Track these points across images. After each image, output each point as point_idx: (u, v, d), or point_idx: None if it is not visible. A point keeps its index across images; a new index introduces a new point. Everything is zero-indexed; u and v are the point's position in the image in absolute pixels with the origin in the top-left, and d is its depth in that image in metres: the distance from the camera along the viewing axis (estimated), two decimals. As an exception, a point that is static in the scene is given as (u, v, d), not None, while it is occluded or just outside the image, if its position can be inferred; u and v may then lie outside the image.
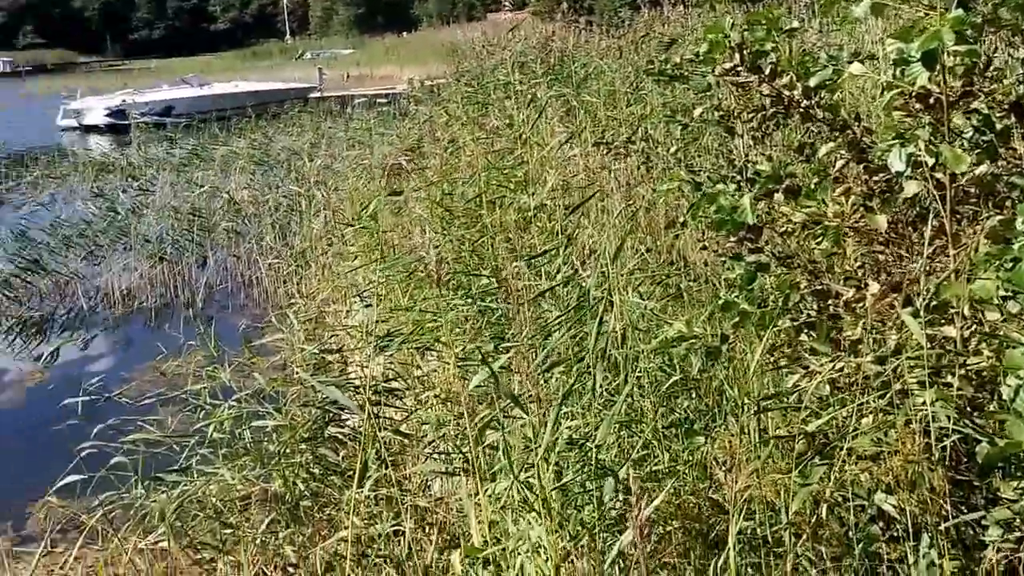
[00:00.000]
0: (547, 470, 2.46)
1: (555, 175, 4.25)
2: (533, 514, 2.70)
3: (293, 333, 4.81)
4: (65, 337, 8.77)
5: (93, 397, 5.65)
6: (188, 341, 8.02)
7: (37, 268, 9.46)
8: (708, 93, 4.36)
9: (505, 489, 2.70)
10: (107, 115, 25.23)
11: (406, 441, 4.05)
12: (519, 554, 2.71)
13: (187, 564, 4.59)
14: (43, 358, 8.34)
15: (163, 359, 7.01)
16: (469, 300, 4.24)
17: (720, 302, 2.98)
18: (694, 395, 3.31)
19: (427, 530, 3.81)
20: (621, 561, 2.44)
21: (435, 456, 3.80)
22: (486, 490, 2.78)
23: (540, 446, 2.48)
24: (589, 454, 2.68)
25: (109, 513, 5.05)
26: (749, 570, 2.56)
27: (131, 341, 8.42)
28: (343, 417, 4.20)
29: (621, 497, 2.71)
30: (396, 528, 3.76)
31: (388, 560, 3.58)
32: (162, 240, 9.65)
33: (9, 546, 5.22)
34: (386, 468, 4.00)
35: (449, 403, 4.29)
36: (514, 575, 2.72)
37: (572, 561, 2.48)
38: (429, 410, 4.19)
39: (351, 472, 4.12)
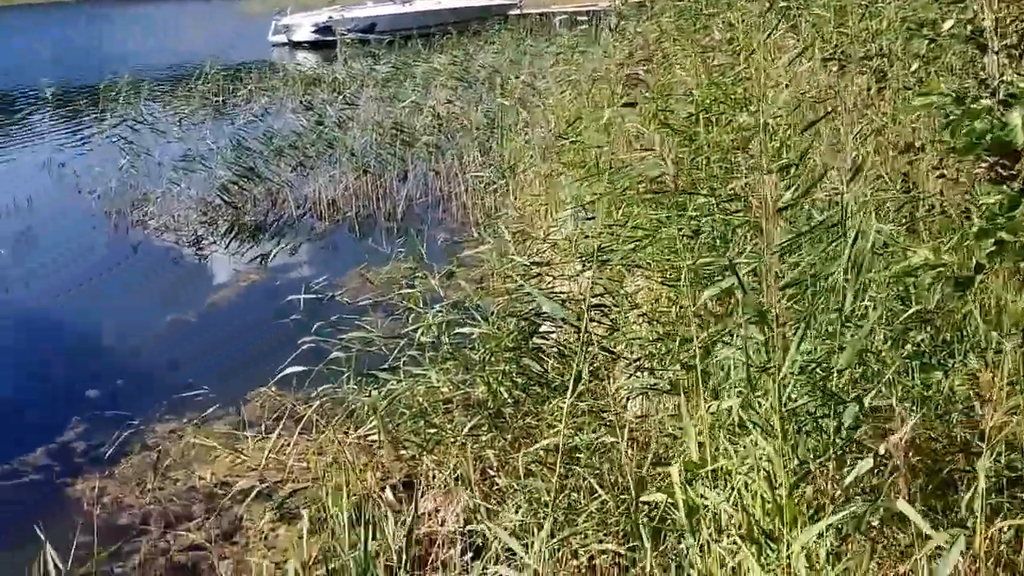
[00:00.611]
0: (784, 391, 2.35)
1: (783, 92, 4.02)
2: (753, 436, 2.61)
3: (503, 243, 4.85)
4: (277, 242, 9.29)
5: (313, 296, 5.94)
6: (391, 251, 8.35)
7: (252, 176, 10.03)
8: (961, 4, 3.96)
9: (730, 408, 2.63)
10: (314, 31, 26.18)
11: (612, 357, 4.02)
12: (740, 474, 2.64)
13: (391, 460, 4.80)
14: (257, 260, 8.88)
15: (368, 266, 7.29)
16: (690, 217, 4.12)
17: (974, 229, 2.73)
18: (930, 328, 3.09)
19: (632, 446, 3.80)
20: (857, 487, 2.32)
21: (647, 372, 3.75)
22: (708, 407, 2.71)
23: (776, 366, 2.37)
24: (818, 380, 2.55)
25: (323, 405, 5.35)
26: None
27: (337, 248, 8.82)
28: (547, 330, 4.21)
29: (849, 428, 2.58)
30: (600, 441, 3.77)
31: (594, 472, 3.59)
32: (366, 153, 9.98)
33: (229, 430, 5.63)
34: (591, 381, 4.00)
35: (655, 323, 4.23)
36: (734, 495, 2.67)
37: (807, 483, 2.39)
38: (635, 326, 4.14)
39: (554, 384, 4.15)
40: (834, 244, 2.73)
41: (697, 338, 2.66)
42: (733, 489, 2.77)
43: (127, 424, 5.75)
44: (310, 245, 9.00)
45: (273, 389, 5.89)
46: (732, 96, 4.42)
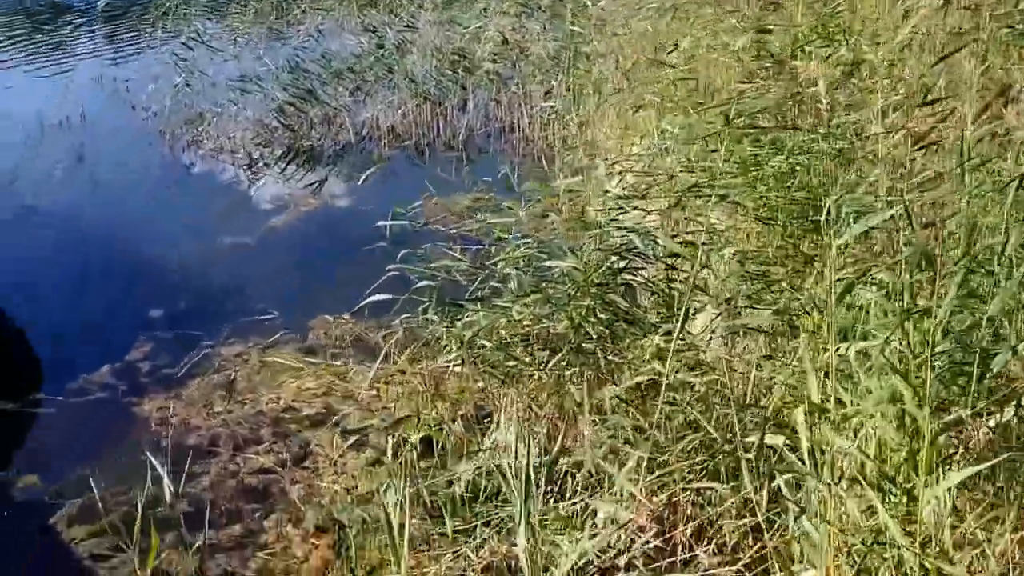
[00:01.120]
0: (935, 336, 2.18)
1: (902, 25, 3.75)
2: (887, 380, 2.46)
3: (588, 174, 4.66)
4: (334, 167, 9.15)
5: (391, 224, 5.79)
6: (456, 179, 8.19)
7: (309, 98, 9.84)
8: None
9: (863, 351, 2.46)
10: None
11: (701, 296, 3.85)
12: (867, 420, 2.50)
13: (470, 393, 4.71)
14: (314, 186, 8.76)
15: (430, 196, 7.14)
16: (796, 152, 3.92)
17: None
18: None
19: (719, 387, 3.66)
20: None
21: (745, 309, 3.58)
22: (837, 349, 2.55)
23: (924, 309, 2.20)
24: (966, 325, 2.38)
25: (393, 334, 5.24)
26: None
27: (397, 176, 8.65)
28: (635, 266, 4.04)
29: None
30: (689, 382, 3.63)
31: (684, 412, 3.46)
32: (425, 80, 9.74)
33: (294, 356, 5.56)
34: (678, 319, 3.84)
35: (748, 261, 4.04)
36: (860, 441, 2.53)
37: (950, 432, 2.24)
38: (727, 264, 3.96)
39: (639, 321, 4.00)
40: (985, 183, 2.52)
41: (829, 279, 2.48)
42: (856, 435, 2.63)
43: (191, 346, 5.71)
44: (368, 172, 8.83)
45: (346, 316, 5.81)
46: (831, 28, 4.18)
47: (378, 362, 4.48)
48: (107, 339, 5.85)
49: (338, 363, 5.46)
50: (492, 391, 4.40)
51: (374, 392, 5.08)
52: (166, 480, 3.01)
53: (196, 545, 3.89)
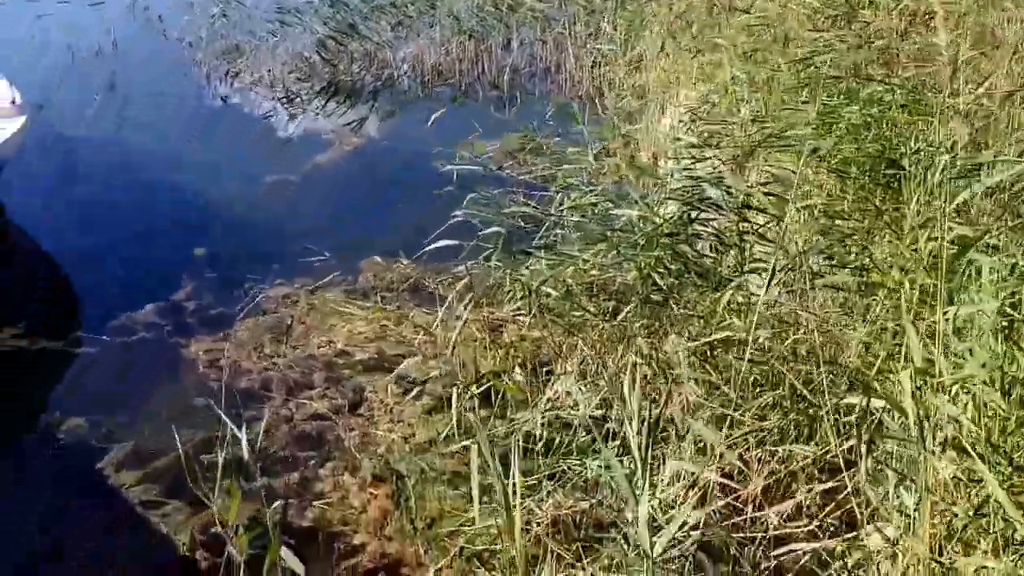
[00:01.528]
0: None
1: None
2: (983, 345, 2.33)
3: (644, 120, 4.46)
4: (376, 105, 8.95)
5: (451, 164, 5.63)
6: (504, 118, 7.98)
7: (350, 33, 9.60)
8: None
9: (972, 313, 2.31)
10: None
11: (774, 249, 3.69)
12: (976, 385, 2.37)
13: (531, 342, 4.59)
14: (355, 123, 8.57)
15: (478, 136, 6.96)
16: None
17: None
18: None
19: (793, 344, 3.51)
20: None
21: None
22: (946, 313, 2.40)
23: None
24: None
25: (447, 279, 5.12)
26: None
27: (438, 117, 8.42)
28: (708, 217, 3.86)
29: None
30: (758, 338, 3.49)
31: (763, 369, 3.33)
32: (468, 17, 9.47)
33: (344, 298, 5.46)
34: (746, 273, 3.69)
35: (822, 215, 3.87)
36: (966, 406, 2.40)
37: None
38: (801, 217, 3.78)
39: (709, 273, 3.84)
40: None
41: (940, 238, 2.31)
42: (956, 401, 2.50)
43: (237, 286, 5.61)
44: (411, 110, 8.64)
45: (404, 260, 5.68)
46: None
47: (443, 309, 4.33)
48: (151, 278, 5.76)
49: (390, 307, 5.35)
50: (554, 341, 4.27)
51: (429, 338, 4.97)
52: (245, 439, 2.87)
53: (252, 493, 3.82)
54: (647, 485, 2.24)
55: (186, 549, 3.57)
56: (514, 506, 3.18)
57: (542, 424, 4.14)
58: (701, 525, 3.13)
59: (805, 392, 2.98)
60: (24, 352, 4.87)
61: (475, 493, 2.85)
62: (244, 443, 2.79)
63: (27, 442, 4.28)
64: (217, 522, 3.72)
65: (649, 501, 3.27)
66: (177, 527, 3.69)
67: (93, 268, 5.90)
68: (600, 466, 3.66)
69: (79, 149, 7.84)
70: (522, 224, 4.34)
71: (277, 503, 3.38)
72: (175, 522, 3.72)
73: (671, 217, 3.79)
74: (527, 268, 4.01)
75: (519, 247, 4.22)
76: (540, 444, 3.96)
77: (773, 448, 3.26)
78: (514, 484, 3.54)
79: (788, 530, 3.09)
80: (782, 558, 2.97)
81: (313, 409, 4.47)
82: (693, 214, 3.78)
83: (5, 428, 4.43)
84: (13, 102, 5.96)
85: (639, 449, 2.14)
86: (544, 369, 4.45)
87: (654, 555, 2.24)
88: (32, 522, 3.74)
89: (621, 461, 3.69)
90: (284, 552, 2.61)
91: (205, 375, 4.74)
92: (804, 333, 3.42)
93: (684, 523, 2.69)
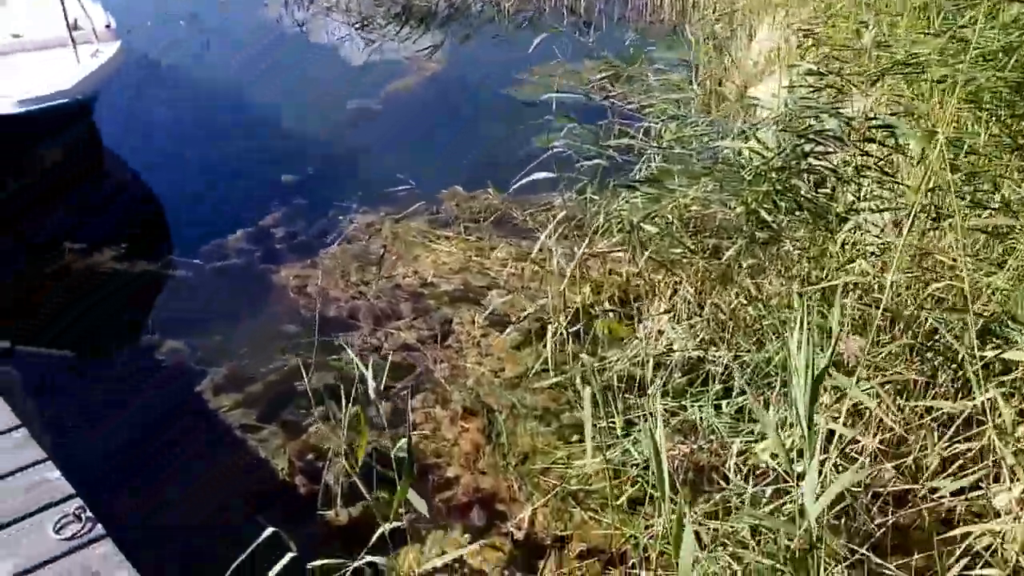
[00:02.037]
0: None
1: None
2: None
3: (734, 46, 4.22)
4: (451, 30, 8.76)
5: (528, 92, 5.47)
6: (579, 46, 7.72)
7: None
8: None
9: None
10: None
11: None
12: None
13: (624, 279, 4.49)
14: (431, 49, 8.41)
15: (558, 63, 6.75)
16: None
17: None
18: None
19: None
20: None
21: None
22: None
23: None
24: None
25: (534, 212, 5.01)
26: None
27: (517, 44, 8.21)
28: (827, 151, 3.66)
29: None
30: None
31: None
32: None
33: (427, 228, 5.39)
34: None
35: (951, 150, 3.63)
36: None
37: None
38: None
39: (823, 211, 3.66)
40: None
41: None
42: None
43: (322, 213, 5.59)
44: (486, 36, 8.44)
45: (491, 188, 5.59)
46: None
47: (533, 242, 4.21)
48: (240, 204, 5.76)
49: (474, 238, 5.28)
50: (648, 278, 4.16)
51: (515, 271, 4.89)
52: (372, 384, 2.82)
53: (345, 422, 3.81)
54: (813, 446, 2.10)
55: (285, 474, 3.59)
56: (611, 446, 3.13)
57: (634, 363, 4.06)
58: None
59: (948, 340, 2.82)
60: (123, 274, 4.92)
61: (588, 434, 2.75)
62: (370, 383, 2.73)
63: (130, 363, 4.33)
64: (312, 449, 3.75)
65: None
66: (274, 452, 3.71)
67: (184, 193, 5.93)
68: (701, 408, 3.58)
69: (167, 75, 7.84)
70: (616, 156, 4.17)
71: (402, 441, 3.32)
72: (272, 447, 3.74)
73: (782, 150, 3.60)
74: (626, 202, 3.86)
75: (612, 180, 4.07)
76: (633, 380, 3.90)
77: (902, 402, 3.13)
78: (611, 424, 3.50)
79: (908, 486, 2.98)
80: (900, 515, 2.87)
81: (401, 339, 4.44)
82: (807, 147, 3.59)
83: (109, 347, 4.50)
84: (108, 27, 5.91)
85: (804, 405, 2.01)
86: (635, 306, 4.36)
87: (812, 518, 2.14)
88: (136, 442, 3.79)
89: (719, 407, 3.61)
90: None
91: (295, 302, 4.74)
92: (935, 278, 3.24)
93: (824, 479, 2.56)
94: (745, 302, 3.74)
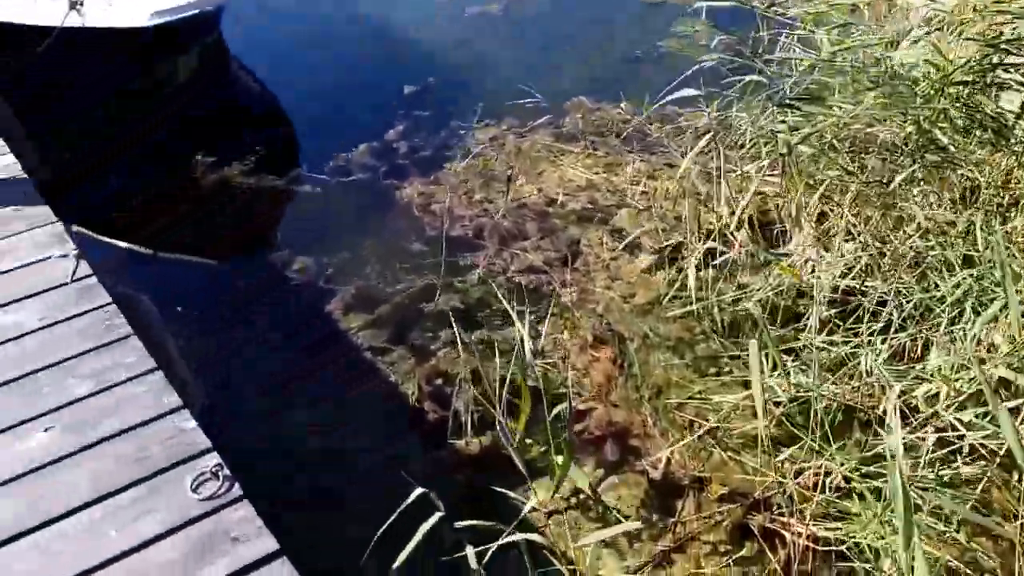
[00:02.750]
0: None
1: None
2: None
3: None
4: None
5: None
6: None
7: None
8: None
9: None
10: None
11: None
12: None
13: (766, 199, 4.19)
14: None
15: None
16: None
17: None
18: None
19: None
20: None
21: None
22: None
23: None
24: None
25: (663, 127, 4.71)
26: None
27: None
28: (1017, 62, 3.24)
29: None
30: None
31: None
32: None
33: (552, 143, 5.15)
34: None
35: None
36: None
37: None
38: None
39: (1008, 129, 3.27)
40: None
41: None
42: None
43: (444, 125, 5.41)
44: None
45: (624, 103, 5.30)
46: None
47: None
48: (363, 117, 5.61)
49: (602, 152, 5.01)
50: (798, 200, 3.83)
51: (647, 189, 4.63)
52: (527, 333, 2.68)
53: (471, 345, 3.69)
54: None
55: (414, 399, 3.51)
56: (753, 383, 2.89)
57: (775, 292, 3.79)
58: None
59: None
60: (252, 188, 4.87)
61: (757, 390, 2.53)
62: (526, 337, 2.59)
63: (262, 279, 4.30)
64: (441, 374, 3.65)
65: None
66: (404, 376, 3.62)
67: (306, 105, 5.77)
68: (847, 344, 3.31)
69: None
70: (766, 70, 3.81)
71: (565, 419, 3.18)
72: (402, 370, 3.66)
73: (966, 62, 3.21)
74: (780, 121, 3.54)
75: (762, 95, 3.73)
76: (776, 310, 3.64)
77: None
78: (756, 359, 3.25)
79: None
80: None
81: (528, 261, 4.27)
82: (996, 57, 3.18)
83: (241, 262, 4.48)
84: None
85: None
86: (774, 230, 4.06)
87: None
88: (269, 359, 3.76)
89: (871, 342, 3.33)
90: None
91: (419, 220, 4.60)
92: None
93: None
94: (911, 233, 3.41)
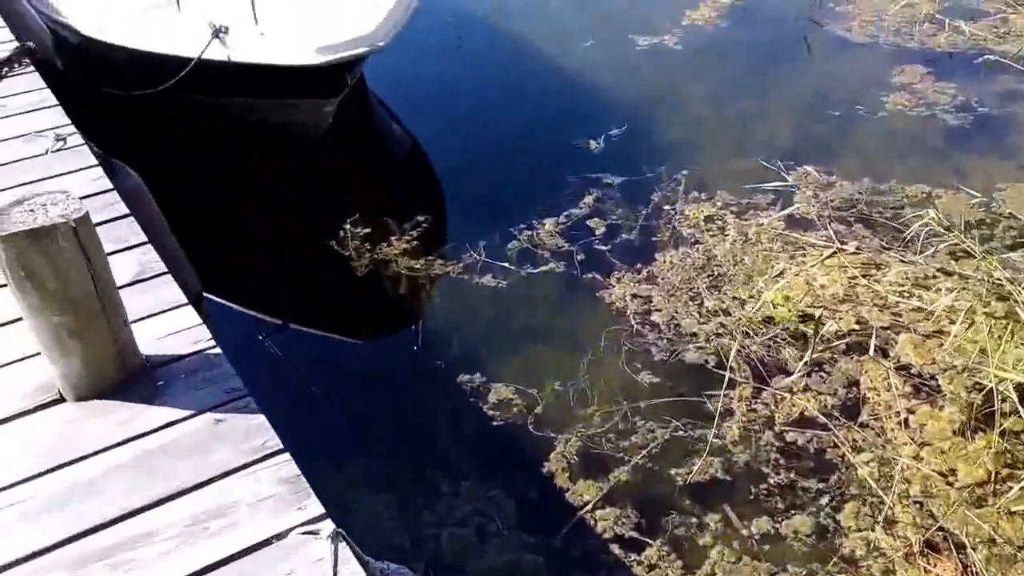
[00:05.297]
0: None
1: None
2: None
3: None
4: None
5: None
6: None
7: None
8: None
9: None
10: None
11: None
12: None
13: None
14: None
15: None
16: None
17: None
18: None
19: None
20: None
21: None
22: None
23: None
24: None
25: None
26: None
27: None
28: None
29: None
30: None
31: None
32: None
33: (782, 227, 4.13)
34: None
35: None
36: None
37: None
38: None
39: None
40: None
41: None
42: None
43: (644, 198, 4.38)
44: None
45: (866, 178, 4.24)
46: None
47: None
48: (542, 179, 4.55)
49: (851, 247, 3.98)
50: None
51: (921, 305, 3.59)
52: None
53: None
54: None
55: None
56: None
57: None
58: None
59: None
60: (415, 275, 3.91)
61: None
62: None
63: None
64: None
65: None
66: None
67: (476, 169, 4.72)
68: None
69: (453, 23, 6.55)
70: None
71: None
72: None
73: None
74: None
75: None
76: None
77: None
78: None
79: None
80: None
81: (799, 407, 3.25)
82: None
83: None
84: None
85: None
86: None
87: None
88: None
89: None
90: None
91: (641, 335, 3.58)
92: None
93: None
94: None
